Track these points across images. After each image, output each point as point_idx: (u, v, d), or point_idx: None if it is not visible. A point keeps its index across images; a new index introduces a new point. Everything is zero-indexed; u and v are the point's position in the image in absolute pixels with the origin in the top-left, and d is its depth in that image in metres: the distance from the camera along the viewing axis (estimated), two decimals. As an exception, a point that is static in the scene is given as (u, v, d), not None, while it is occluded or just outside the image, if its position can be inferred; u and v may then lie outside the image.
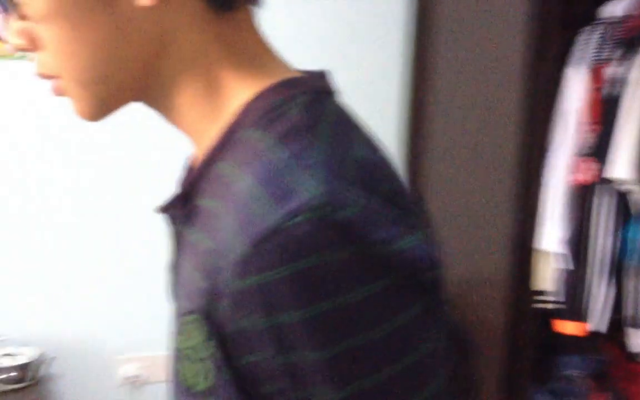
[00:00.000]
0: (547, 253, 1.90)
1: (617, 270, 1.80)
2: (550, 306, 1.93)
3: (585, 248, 1.84)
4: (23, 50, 0.58)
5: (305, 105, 0.57)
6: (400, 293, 0.54)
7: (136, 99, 0.62)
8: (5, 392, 1.85)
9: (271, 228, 0.50)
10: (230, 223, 0.53)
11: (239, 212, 0.52)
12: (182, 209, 0.62)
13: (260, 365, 0.53)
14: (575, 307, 1.86)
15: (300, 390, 0.54)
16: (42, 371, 1.94)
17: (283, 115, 0.56)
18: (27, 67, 1.96)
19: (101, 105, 0.61)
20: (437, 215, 2.11)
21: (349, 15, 2.14)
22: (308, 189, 0.51)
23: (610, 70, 1.77)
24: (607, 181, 1.75)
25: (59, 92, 0.60)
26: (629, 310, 1.80)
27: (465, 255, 1.91)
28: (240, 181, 0.54)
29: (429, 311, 0.56)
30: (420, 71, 2.17)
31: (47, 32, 0.57)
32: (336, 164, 0.53)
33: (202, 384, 0.56)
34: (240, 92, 0.60)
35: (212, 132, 0.61)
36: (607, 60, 1.79)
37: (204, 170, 0.60)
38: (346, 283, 0.51)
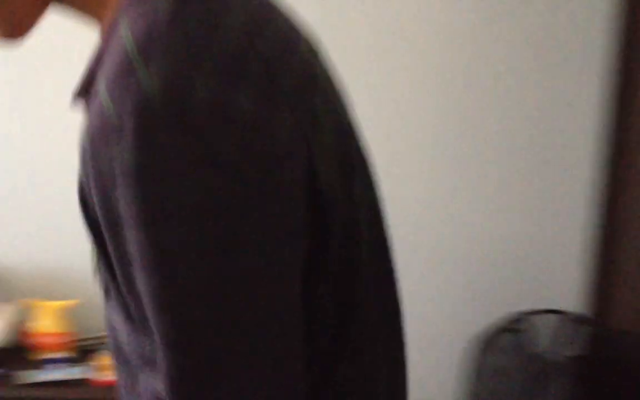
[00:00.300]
0: None
1: None
2: None
3: None
4: None
5: None
6: (246, 194, 0.54)
7: (45, 7, 0.67)
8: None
9: (108, 124, 0.53)
10: (88, 119, 0.57)
11: (93, 112, 0.56)
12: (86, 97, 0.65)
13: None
14: None
15: (122, 270, 0.57)
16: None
17: (150, 4, 0.57)
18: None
19: (14, 25, 0.66)
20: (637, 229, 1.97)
21: (548, 14, 2.04)
22: (148, 85, 0.52)
23: None
24: None
25: None
26: None
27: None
28: (102, 76, 0.57)
29: (289, 233, 0.56)
30: (626, 79, 2.03)
31: None
32: (188, 54, 0.54)
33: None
34: None
35: (107, 20, 0.64)
36: None
37: (96, 63, 0.62)
38: (177, 174, 0.52)
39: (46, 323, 1.95)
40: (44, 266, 2.09)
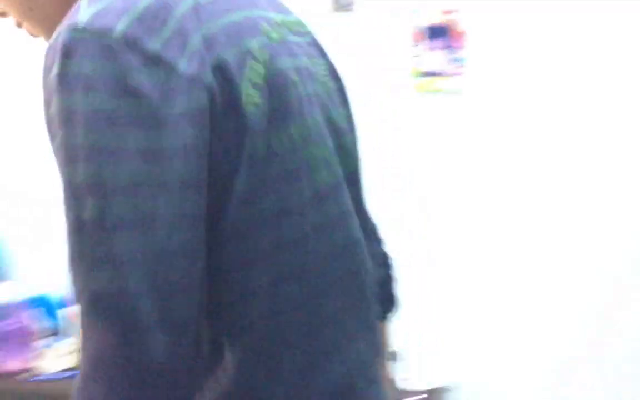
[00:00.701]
0: None
1: None
2: None
3: None
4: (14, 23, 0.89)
5: None
6: (144, 110, 0.68)
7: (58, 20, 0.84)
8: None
9: (51, 48, 0.71)
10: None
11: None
12: None
13: None
14: None
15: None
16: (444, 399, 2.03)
17: None
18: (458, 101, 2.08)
19: (44, 28, 0.86)
20: None
21: None
22: (81, 17, 0.70)
23: None
24: None
25: (19, 28, 0.89)
26: None
27: None
28: None
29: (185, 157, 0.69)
30: None
31: (16, 14, 0.87)
32: (122, 5, 0.70)
33: None
34: None
35: None
36: None
37: None
38: (90, 88, 0.67)
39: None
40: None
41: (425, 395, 2.00)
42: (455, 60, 2.13)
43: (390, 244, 2.17)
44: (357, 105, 2.09)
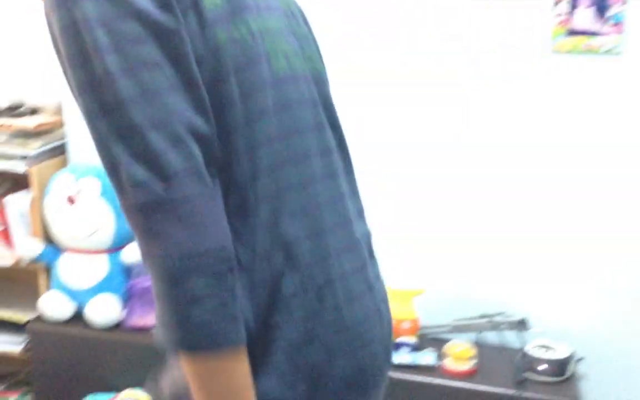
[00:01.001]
0: None
1: None
2: None
3: None
4: None
5: None
6: (131, 9, 0.83)
7: None
8: (537, 383, 1.94)
9: None
10: None
11: None
12: None
13: None
14: None
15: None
16: (571, 369, 1.97)
17: None
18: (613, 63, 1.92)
19: None
20: None
21: None
22: None
23: None
24: None
25: None
26: None
27: None
28: None
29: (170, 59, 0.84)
30: None
31: None
32: None
33: None
34: None
35: None
36: None
37: None
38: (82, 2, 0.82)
39: (399, 309, 2.03)
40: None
41: (547, 365, 1.96)
42: (610, 18, 1.92)
43: (535, 213, 2.08)
44: (490, 66, 1.91)
